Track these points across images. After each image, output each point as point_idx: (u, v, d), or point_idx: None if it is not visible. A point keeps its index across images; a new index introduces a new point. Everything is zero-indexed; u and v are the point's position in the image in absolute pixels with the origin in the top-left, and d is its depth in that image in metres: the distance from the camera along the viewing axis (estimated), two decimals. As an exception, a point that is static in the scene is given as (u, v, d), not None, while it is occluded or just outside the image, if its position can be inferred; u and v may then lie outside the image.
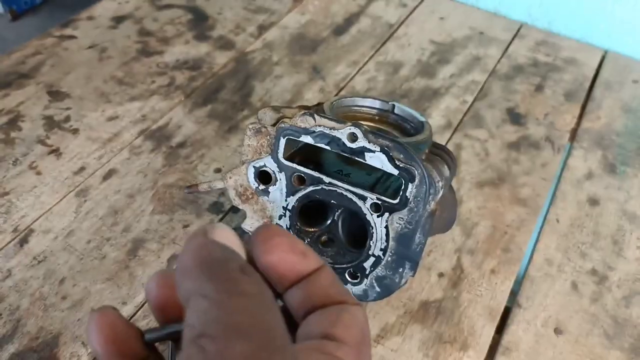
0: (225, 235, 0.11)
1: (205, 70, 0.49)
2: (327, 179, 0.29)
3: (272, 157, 0.30)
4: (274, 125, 0.29)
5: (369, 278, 0.30)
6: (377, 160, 0.27)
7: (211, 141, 0.42)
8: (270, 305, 0.10)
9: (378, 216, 0.28)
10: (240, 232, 0.34)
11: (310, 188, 0.29)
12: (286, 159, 0.29)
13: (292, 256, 0.12)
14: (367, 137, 0.27)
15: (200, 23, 0.54)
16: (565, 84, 0.50)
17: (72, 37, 0.51)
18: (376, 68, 0.50)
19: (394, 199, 0.28)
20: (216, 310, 0.09)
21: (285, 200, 0.30)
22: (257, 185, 0.31)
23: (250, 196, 0.31)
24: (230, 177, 0.31)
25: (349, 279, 0.31)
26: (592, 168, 0.43)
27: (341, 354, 0.11)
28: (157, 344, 0.14)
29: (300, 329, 0.12)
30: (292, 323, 0.12)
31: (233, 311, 0.09)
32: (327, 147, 0.28)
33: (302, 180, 0.30)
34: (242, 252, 0.11)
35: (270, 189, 0.30)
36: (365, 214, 0.29)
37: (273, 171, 0.30)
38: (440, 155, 0.30)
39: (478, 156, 0.43)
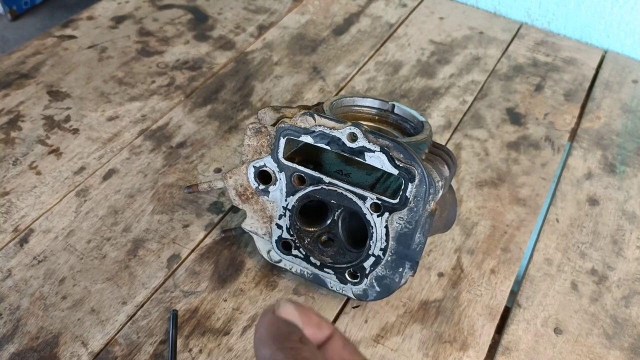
0: (289, 312, 0.15)
1: (205, 70, 0.49)
2: (327, 179, 0.29)
3: (272, 157, 0.30)
4: (274, 125, 0.29)
5: (369, 278, 0.30)
6: (377, 160, 0.27)
7: (211, 141, 0.42)
8: None
9: (378, 216, 0.28)
10: (240, 231, 0.34)
11: (310, 188, 0.29)
12: (286, 158, 0.29)
13: (309, 329, 0.16)
14: (367, 137, 0.27)
15: (200, 23, 0.54)
16: (564, 84, 0.50)
17: (72, 37, 0.51)
18: (376, 68, 0.50)
19: (394, 198, 0.28)
20: None
21: (285, 200, 0.30)
22: (257, 185, 0.31)
23: (251, 196, 0.31)
24: (230, 177, 0.31)
25: (349, 278, 0.31)
26: (592, 168, 0.43)
27: None
28: None
29: None
30: None
31: None
32: (327, 147, 0.28)
33: (302, 180, 0.30)
34: (300, 324, 0.16)
35: (270, 188, 0.30)
36: (365, 214, 0.29)
37: (273, 171, 0.30)
38: (440, 155, 0.30)
39: (478, 156, 0.43)
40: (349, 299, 0.32)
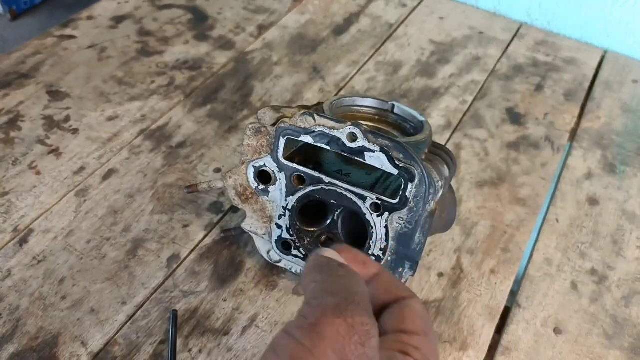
0: (330, 252, 0.17)
1: (205, 70, 0.49)
2: (326, 179, 0.29)
3: (271, 157, 0.30)
4: (273, 125, 0.29)
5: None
6: (376, 160, 0.27)
7: (211, 141, 0.42)
8: (355, 281, 0.15)
9: (378, 216, 0.28)
10: (240, 231, 0.34)
11: (310, 188, 0.29)
12: (286, 158, 0.29)
13: (355, 266, 0.16)
14: (366, 137, 0.27)
15: (200, 23, 0.54)
16: (565, 83, 0.50)
17: (71, 37, 0.51)
18: (376, 68, 0.50)
19: (394, 198, 0.28)
20: (320, 285, 0.15)
21: (285, 200, 0.30)
22: (256, 185, 0.31)
23: (250, 196, 0.31)
24: (230, 177, 0.31)
25: (348, 278, 0.31)
26: (592, 168, 0.43)
27: (414, 342, 0.15)
28: None
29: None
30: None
31: (329, 284, 0.15)
32: (327, 147, 0.28)
33: (302, 180, 0.30)
34: (343, 261, 0.16)
35: (270, 188, 0.30)
36: (365, 214, 0.29)
37: (273, 171, 0.30)
38: (440, 155, 0.30)
39: (478, 156, 0.43)
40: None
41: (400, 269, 0.30)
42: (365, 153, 0.27)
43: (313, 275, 0.15)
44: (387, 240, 0.29)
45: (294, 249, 0.32)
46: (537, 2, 0.56)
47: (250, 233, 0.33)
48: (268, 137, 0.29)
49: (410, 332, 0.15)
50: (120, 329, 0.30)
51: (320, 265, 0.16)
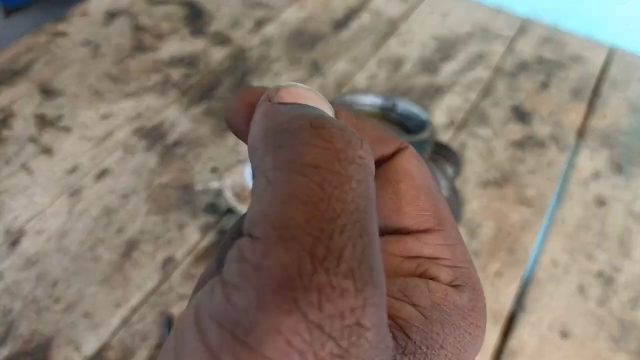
0: (296, 93, 0.08)
1: (201, 67, 0.47)
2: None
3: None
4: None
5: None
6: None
7: (207, 140, 0.41)
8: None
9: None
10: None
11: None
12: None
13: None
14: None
15: (196, 19, 0.53)
16: (570, 81, 0.49)
17: (65, 33, 0.49)
18: (377, 65, 0.49)
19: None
20: (269, 198, 0.07)
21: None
22: (254, 185, 0.30)
23: (248, 196, 0.31)
24: (227, 177, 0.30)
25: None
26: (599, 168, 0.42)
27: (430, 251, 0.09)
28: None
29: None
30: None
31: (287, 196, 0.07)
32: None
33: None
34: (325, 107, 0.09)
35: (268, 189, 0.29)
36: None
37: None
38: (443, 154, 0.30)
39: (482, 155, 0.42)
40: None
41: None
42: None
43: (262, 155, 0.08)
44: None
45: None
46: (541, -3, 0.55)
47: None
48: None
49: (416, 228, 0.09)
50: (115, 332, 0.29)
51: (274, 131, 0.08)
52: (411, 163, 0.09)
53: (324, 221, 0.07)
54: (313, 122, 0.08)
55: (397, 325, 0.08)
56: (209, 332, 0.07)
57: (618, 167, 0.42)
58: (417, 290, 0.08)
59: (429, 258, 0.09)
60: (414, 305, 0.08)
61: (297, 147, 0.07)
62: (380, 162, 0.09)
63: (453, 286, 0.09)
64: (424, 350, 0.08)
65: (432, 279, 0.09)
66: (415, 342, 0.08)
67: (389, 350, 0.07)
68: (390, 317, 0.08)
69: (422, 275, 0.09)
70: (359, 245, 0.07)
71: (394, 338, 0.08)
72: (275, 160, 0.07)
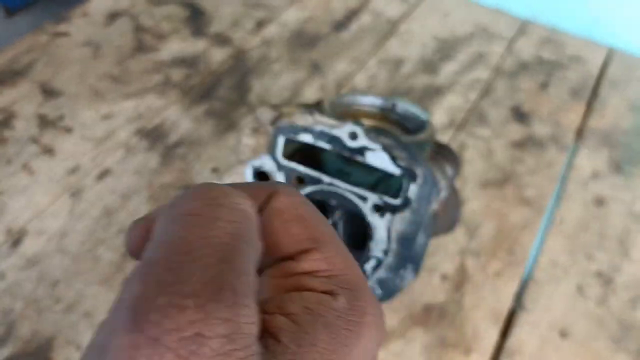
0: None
1: (202, 67, 0.48)
2: (327, 179, 0.28)
3: (270, 157, 0.29)
4: (272, 123, 0.29)
5: (370, 280, 0.30)
6: (378, 159, 0.26)
7: (208, 140, 0.41)
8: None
9: (379, 217, 0.28)
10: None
11: (310, 188, 0.29)
12: (285, 158, 0.29)
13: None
14: (367, 136, 0.26)
15: (197, 19, 0.53)
16: (570, 82, 0.49)
17: (66, 34, 0.50)
18: (377, 65, 0.49)
19: (396, 199, 0.27)
20: (148, 247, 0.09)
21: (284, 201, 0.29)
22: (255, 185, 0.30)
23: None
24: (227, 177, 0.31)
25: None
26: (598, 168, 0.42)
27: (306, 266, 0.10)
28: None
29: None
30: None
31: (157, 242, 0.09)
32: (327, 146, 0.27)
33: (301, 180, 0.29)
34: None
35: (269, 189, 0.30)
36: (366, 215, 0.28)
37: (272, 171, 0.29)
38: (443, 154, 0.30)
39: (482, 155, 0.42)
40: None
41: (403, 271, 0.29)
42: (366, 152, 0.26)
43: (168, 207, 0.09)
44: (389, 242, 0.28)
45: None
46: (541, -3, 0.55)
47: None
48: (267, 136, 0.29)
49: (294, 252, 0.10)
50: (115, 333, 0.30)
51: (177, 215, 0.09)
52: (280, 201, 0.11)
53: (179, 254, 0.08)
54: (194, 187, 0.10)
55: (269, 334, 0.09)
56: (85, 358, 0.08)
57: (617, 167, 0.42)
58: (289, 301, 0.09)
59: (305, 273, 0.10)
60: (285, 314, 0.09)
61: (176, 205, 0.09)
62: (261, 210, 0.11)
63: (328, 292, 0.10)
64: (294, 349, 0.09)
65: (308, 290, 0.10)
66: (284, 344, 0.09)
67: (256, 356, 0.08)
68: (264, 329, 0.09)
69: (299, 289, 0.10)
70: (212, 271, 0.08)
71: (265, 345, 0.09)
72: (159, 221, 0.09)
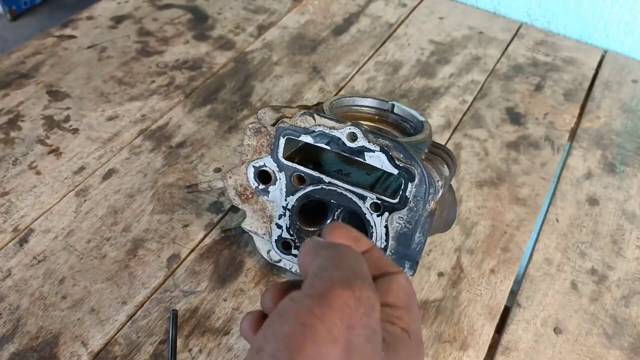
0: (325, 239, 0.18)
1: (205, 70, 0.49)
2: (326, 179, 0.29)
3: (271, 157, 0.30)
4: (273, 125, 0.29)
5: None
6: (376, 159, 0.27)
7: (211, 141, 0.42)
8: (359, 258, 0.16)
9: (378, 215, 0.28)
10: (240, 231, 0.34)
11: (310, 187, 0.29)
12: (286, 158, 0.29)
13: (348, 241, 0.17)
14: (366, 137, 0.27)
15: (200, 23, 0.54)
16: (564, 83, 0.50)
17: (71, 37, 0.51)
18: (376, 68, 0.50)
19: (394, 198, 0.28)
20: (328, 260, 0.16)
21: (285, 200, 0.30)
22: (256, 184, 0.31)
23: (250, 196, 0.31)
24: (230, 177, 0.31)
25: (348, 278, 0.31)
26: (592, 168, 0.43)
27: (398, 313, 0.17)
28: None
29: None
30: None
31: (337, 259, 0.16)
32: (327, 147, 0.28)
33: (302, 180, 0.30)
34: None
35: (270, 188, 0.30)
36: (365, 214, 0.29)
37: (273, 171, 0.30)
38: (440, 154, 0.30)
39: (477, 156, 0.43)
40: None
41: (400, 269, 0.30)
42: (365, 153, 0.27)
43: (317, 252, 0.16)
44: (387, 240, 0.29)
45: (294, 249, 0.32)
46: (536, 2, 0.56)
47: (250, 233, 0.33)
48: (268, 137, 0.29)
49: (394, 305, 0.17)
50: (121, 328, 0.30)
51: (323, 244, 0.17)
52: (400, 282, 0.18)
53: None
54: (343, 245, 0.17)
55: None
56: None
57: (611, 167, 0.43)
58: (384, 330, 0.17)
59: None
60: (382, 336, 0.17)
61: (335, 248, 0.17)
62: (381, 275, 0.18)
63: (404, 330, 0.17)
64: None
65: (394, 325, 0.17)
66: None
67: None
68: None
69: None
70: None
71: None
72: (329, 251, 0.17)
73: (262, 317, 0.17)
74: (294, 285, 0.17)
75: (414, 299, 0.17)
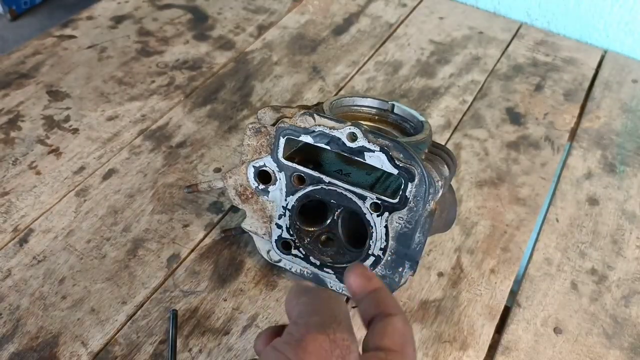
0: (309, 282, 0.19)
1: (205, 70, 0.49)
2: (326, 179, 0.29)
3: (271, 157, 0.30)
4: (273, 125, 0.29)
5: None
6: (376, 159, 0.27)
7: (211, 141, 0.42)
8: (338, 302, 0.17)
9: (378, 215, 0.28)
10: (240, 231, 0.34)
11: (310, 187, 0.29)
12: (286, 158, 0.29)
13: (360, 278, 0.18)
14: (366, 137, 0.27)
15: (200, 23, 0.54)
16: (564, 83, 0.50)
17: (71, 37, 0.51)
18: (376, 68, 0.50)
19: (394, 198, 0.28)
20: (306, 306, 0.17)
21: (285, 200, 0.30)
22: (256, 184, 0.31)
23: (250, 196, 0.31)
24: (230, 177, 0.31)
25: (348, 278, 0.31)
26: (592, 168, 0.43)
27: (390, 357, 0.17)
28: None
29: (363, 340, 0.18)
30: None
31: (314, 305, 0.17)
32: (327, 147, 0.28)
33: (302, 180, 0.30)
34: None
35: (270, 188, 0.30)
36: (365, 214, 0.29)
37: (273, 171, 0.30)
38: (440, 154, 0.30)
39: (478, 156, 0.43)
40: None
41: (400, 269, 0.30)
42: (365, 153, 0.27)
43: (298, 298, 0.17)
44: (387, 240, 0.29)
45: (294, 249, 0.32)
46: (536, 2, 0.56)
47: (250, 233, 0.33)
48: (268, 137, 0.29)
49: (388, 349, 0.17)
50: (121, 328, 0.30)
51: (305, 289, 0.18)
52: (397, 324, 0.18)
53: None
54: (322, 289, 0.18)
55: None
56: None
57: (611, 167, 0.43)
58: None
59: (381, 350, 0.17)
60: None
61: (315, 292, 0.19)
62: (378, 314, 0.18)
63: None
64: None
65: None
66: None
67: None
68: None
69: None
70: None
71: None
72: (307, 298, 0.18)
73: (274, 334, 0.19)
74: (281, 330, 0.18)
75: (411, 342, 0.18)
